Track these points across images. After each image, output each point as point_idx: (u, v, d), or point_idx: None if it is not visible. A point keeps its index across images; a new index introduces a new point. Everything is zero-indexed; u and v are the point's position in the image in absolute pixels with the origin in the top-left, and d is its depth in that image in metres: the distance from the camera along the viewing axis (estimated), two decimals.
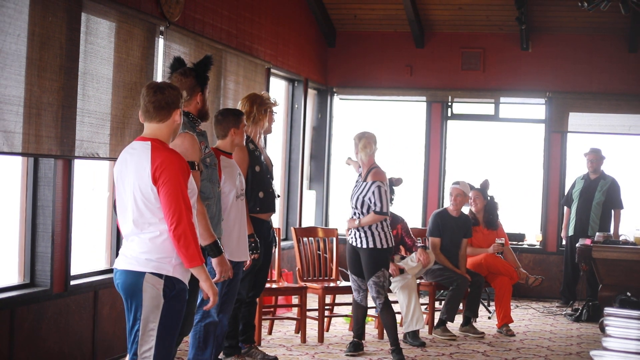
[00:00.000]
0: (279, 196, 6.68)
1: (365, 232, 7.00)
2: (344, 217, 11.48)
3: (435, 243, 8.27)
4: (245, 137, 6.00)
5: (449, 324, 8.16)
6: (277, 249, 7.08)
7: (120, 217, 4.15)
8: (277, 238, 6.96)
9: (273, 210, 6.52)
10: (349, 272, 7.22)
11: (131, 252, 4.08)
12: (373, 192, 6.94)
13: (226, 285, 5.68)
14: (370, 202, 6.96)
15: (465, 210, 8.60)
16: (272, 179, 6.62)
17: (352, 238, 7.10)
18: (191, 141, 4.80)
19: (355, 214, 7.07)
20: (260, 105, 6.52)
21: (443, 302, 8.19)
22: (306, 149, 10.87)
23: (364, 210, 7.00)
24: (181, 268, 4.08)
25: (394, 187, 7.93)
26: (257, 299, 6.76)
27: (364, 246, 7.00)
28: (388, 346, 7.42)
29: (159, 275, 4.02)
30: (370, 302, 7.44)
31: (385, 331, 7.17)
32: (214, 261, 4.91)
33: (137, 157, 4.06)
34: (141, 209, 4.03)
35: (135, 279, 4.03)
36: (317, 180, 11.36)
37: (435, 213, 8.48)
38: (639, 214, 10.59)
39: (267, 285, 7.56)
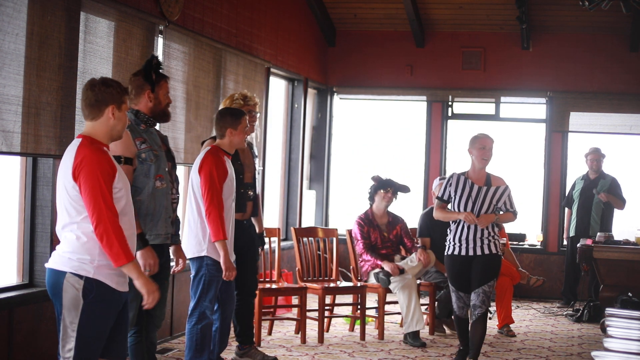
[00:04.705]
0: (252, 197, 6.44)
1: (488, 236, 6.53)
2: (344, 217, 11.59)
3: (425, 243, 8.17)
4: (245, 137, 5.95)
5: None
6: (262, 251, 6.88)
7: (58, 216, 4.10)
8: (264, 239, 6.78)
9: (243, 211, 6.32)
10: (454, 288, 6.58)
11: (58, 250, 4.04)
12: (509, 196, 6.65)
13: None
14: (505, 205, 6.62)
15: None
16: (251, 180, 6.42)
17: (461, 247, 6.52)
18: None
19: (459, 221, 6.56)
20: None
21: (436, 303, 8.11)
22: (306, 148, 10.84)
23: None
24: (107, 270, 3.97)
25: (398, 192, 8.09)
26: (255, 300, 6.68)
27: (485, 252, 6.50)
28: (388, 347, 7.41)
29: (79, 276, 3.95)
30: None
31: (471, 341, 6.58)
32: (137, 254, 4.78)
33: (67, 154, 4.03)
34: (67, 207, 3.97)
35: (56, 278, 3.98)
36: (317, 180, 11.34)
37: (422, 214, 8.43)
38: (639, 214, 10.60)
39: (267, 285, 7.55)
